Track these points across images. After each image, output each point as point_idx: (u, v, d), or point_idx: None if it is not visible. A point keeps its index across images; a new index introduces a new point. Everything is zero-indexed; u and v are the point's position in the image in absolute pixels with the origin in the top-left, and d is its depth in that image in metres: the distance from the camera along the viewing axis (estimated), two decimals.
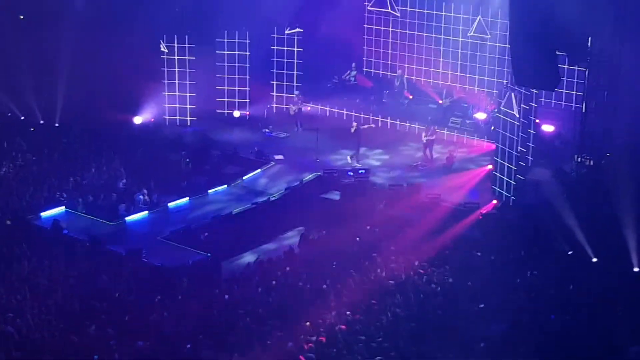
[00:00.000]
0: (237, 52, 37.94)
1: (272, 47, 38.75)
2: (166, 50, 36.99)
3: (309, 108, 38.51)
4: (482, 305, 21.58)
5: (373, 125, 35.51)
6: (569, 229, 25.07)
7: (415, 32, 39.55)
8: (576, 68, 33.09)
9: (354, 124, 34.42)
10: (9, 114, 36.80)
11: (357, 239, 26.54)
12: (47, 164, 32.51)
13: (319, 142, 34.40)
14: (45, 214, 29.14)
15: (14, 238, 26.49)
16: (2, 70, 36.93)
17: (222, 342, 19.98)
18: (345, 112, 38.19)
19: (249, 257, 26.17)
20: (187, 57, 37.09)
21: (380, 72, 41.11)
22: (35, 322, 20.94)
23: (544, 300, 21.94)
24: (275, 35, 38.56)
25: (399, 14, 39.76)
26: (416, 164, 33.60)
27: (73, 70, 36.73)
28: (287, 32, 38.30)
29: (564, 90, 34.33)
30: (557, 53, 26.15)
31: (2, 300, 22.13)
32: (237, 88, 38.33)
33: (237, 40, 37.79)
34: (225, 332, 20.46)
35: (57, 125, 36.42)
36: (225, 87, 38.32)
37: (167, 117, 37.71)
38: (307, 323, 20.54)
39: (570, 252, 24.62)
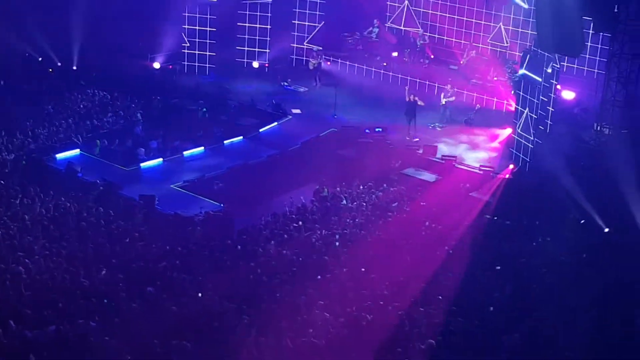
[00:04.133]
0: (259, 1, 37.65)
1: None
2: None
3: (329, 63, 38.26)
4: (498, 268, 21.52)
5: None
6: (583, 198, 24.88)
7: None
8: (601, 34, 32.70)
9: (412, 96, 32.68)
10: (27, 55, 36.69)
11: (373, 196, 26.48)
12: (64, 106, 32.47)
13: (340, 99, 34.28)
14: (60, 155, 29.15)
15: (28, 178, 26.54)
16: (19, 13, 36.67)
17: (231, 293, 19.99)
18: (365, 68, 38.01)
19: None
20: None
21: (403, 28, 40.77)
22: (47, 263, 20.99)
23: (556, 267, 21.84)
24: None
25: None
26: (433, 126, 33.37)
27: (91, 13, 36.53)
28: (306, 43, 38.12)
29: (587, 56, 34.00)
30: (583, 18, 25.79)
31: (14, 240, 22.17)
32: (257, 37, 38.11)
33: None
34: (236, 284, 20.45)
35: (75, 68, 36.28)
36: (246, 36, 38.11)
37: (185, 62, 37.57)
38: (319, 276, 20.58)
39: (582, 221, 24.45)
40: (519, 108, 30.19)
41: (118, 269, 20.81)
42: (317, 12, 38.46)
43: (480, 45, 38.38)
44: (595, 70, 34.38)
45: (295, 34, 38.88)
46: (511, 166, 29.71)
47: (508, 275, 21.33)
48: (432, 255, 22.37)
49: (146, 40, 36.92)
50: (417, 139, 31.96)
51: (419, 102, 32.67)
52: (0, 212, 23.80)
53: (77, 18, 36.50)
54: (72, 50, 36.48)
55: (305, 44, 38.34)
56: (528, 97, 29.54)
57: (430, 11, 39.74)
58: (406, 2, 40.26)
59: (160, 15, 36.92)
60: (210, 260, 21.68)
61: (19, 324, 17.31)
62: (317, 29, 38.32)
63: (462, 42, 38.92)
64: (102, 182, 26.78)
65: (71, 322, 17.54)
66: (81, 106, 32.78)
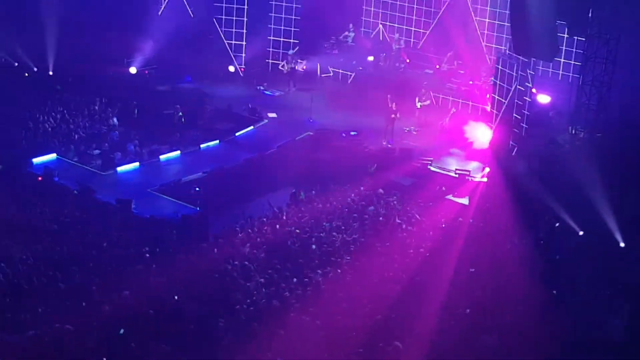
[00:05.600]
0: (235, 6, 37.72)
1: (271, 2, 38.48)
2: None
3: (304, 67, 38.30)
4: (472, 270, 21.64)
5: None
6: (558, 201, 25.04)
7: None
8: (575, 38, 32.93)
9: (393, 104, 32.44)
10: (3, 60, 36.47)
11: (349, 199, 26.55)
12: (41, 111, 32.32)
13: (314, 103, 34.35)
14: (37, 160, 29.06)
15: (5, 183, 26.43)
16: None
17: (207, 296, 19.99)
18: (341, 72, 38.08)
19: None
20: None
21: (380, 33, 40.84)
22: (24, 267, 20.91)
23: (529, 269, 21.95)
24: None
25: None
26: (409, 129, 33.48)
27: (67, 17, 36.37)
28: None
29: (562, 60, 34.18)
30: (557, 22, 26.00)
31: None
32: (233, 42, 38.15)
33: None
34: (211, 287, 20.46)
35: (51, 73, 36.12)
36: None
37: (161, 67, 37.55)
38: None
39: (557, 224, 24.61)
40: (494, 112, 30.37)
41: (94, 272, 20.78)
42: (293, 17, 38.52)
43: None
44: (570, 75, 34.52)
45: (271, 38, 38.87)
46: (487, 169, 29.85)
47: (484, 276, 21.45)
48: (408, 258, 22.48)
49: (122, 45, 36.81)
50: (391, 145, 32.05)
51: (396, 115, 32.47)
52: None
53: (53, 23, 36.36)
54: (47, 55, 36.30)
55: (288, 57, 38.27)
56: (504, 101, 29.72)
57: (405, 15, 39.79)
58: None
59: (136, 21, 36.85)
60: (186, 264, 21.68)
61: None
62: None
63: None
64: (78, 187, 26.72)
65: (49, 326, 17.51)
66: (57, 111, 32.62)
